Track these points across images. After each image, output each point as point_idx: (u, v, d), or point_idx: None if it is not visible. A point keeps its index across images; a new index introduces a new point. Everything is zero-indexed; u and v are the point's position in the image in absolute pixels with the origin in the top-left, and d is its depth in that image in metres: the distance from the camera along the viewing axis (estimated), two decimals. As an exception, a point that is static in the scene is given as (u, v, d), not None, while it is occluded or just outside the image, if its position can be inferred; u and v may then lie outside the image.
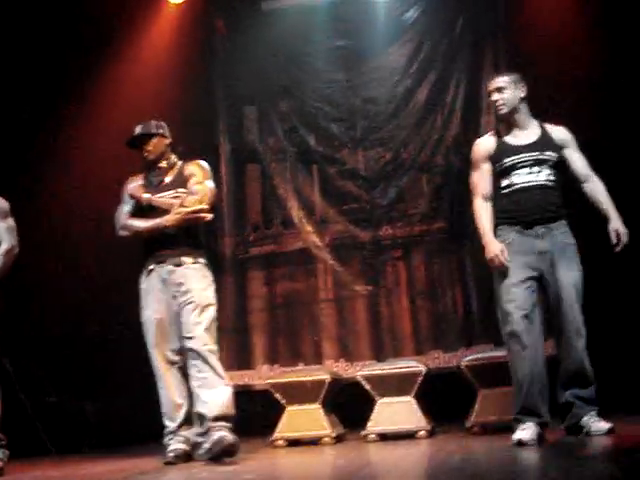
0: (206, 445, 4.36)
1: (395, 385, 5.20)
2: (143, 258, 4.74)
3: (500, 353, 4.70)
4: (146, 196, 4.67)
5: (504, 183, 4.32)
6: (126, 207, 4.76)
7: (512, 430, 4.11)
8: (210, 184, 4.77)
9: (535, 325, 4.16)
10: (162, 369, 4.65)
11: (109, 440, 6.11)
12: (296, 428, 5.27)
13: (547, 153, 4.30)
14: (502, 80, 4.41)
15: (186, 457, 4.56)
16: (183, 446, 4.59)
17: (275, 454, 5.01)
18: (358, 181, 6.95)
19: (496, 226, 4.31)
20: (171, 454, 4.55)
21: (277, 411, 5.39)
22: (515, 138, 4.37)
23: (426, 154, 6.84)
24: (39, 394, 6.29)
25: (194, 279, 4.61)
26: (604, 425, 4.07)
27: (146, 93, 6.63)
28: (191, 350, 4.49)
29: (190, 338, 4.50)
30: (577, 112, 5.67)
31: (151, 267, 4.69)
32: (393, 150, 6.92)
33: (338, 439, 5.28)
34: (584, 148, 4.42)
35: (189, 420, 4.59)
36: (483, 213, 4.33)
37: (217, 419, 4.36)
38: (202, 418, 4.42)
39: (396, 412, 5.15)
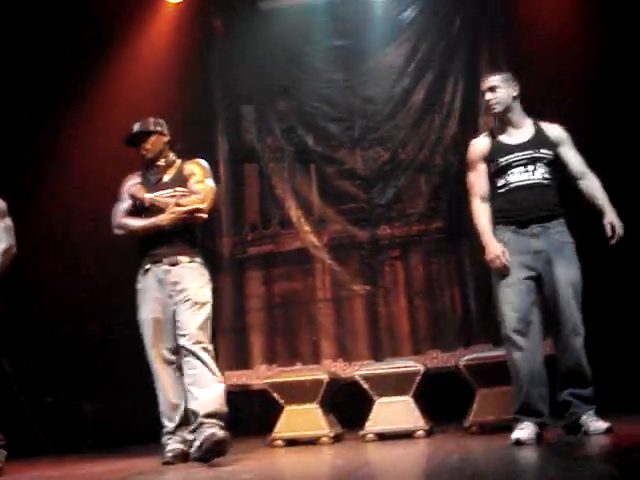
0: (196, 442, 4.34)
1: (393, 385, 5.20)
2: (139, 257, 4.75)
3: (498, 353, 4.71)
4: (148, 197, 4.67)
5: (500, 182, 4.32)
6: (123, 205, 4.76)
7: (511, 430, 4.11)
8: (211, 183, 4.78)
9: (533, 325, 4.16)
10: (159, 369, 4.65)
11: (108, 440, 6.10)
12: (294, 428, 5.27)
13: (542, 151, 4.30)
14: (495, 79, 4.41)
15: (184, 457, 4.56)
16: (181, 446, 4.59)
17: (273, 454, 5.01)
18: (356, 181, 6.94)
19: (493, 226, 4.31)
20: (169, 454, 4.56)
21: (275, 411, 5.39)
22: (509, 137, 4.37)
23: (424, 154, 6.83)
24: (38, 394, 6.28)
25: (190, 278, 4.62)
26: (602, 424, 4.07)
27: (145, 93, 6.62)
28: (184, 347, 4.49)
29: (184, 335, 4.50)
30: (577, 112, 5.67)
31: (147, 267, 4.69)
32: (391, 150, 6.91)
33: (336, 439, 5.29)
34: (584, 148, 4.41)
35: (187, 420, 4.57)
36: (481, 213, 4.33)
37: (209, 416, 4.34)
38: (194, 415, 4.41)
39: (394, 412, 5.15)
